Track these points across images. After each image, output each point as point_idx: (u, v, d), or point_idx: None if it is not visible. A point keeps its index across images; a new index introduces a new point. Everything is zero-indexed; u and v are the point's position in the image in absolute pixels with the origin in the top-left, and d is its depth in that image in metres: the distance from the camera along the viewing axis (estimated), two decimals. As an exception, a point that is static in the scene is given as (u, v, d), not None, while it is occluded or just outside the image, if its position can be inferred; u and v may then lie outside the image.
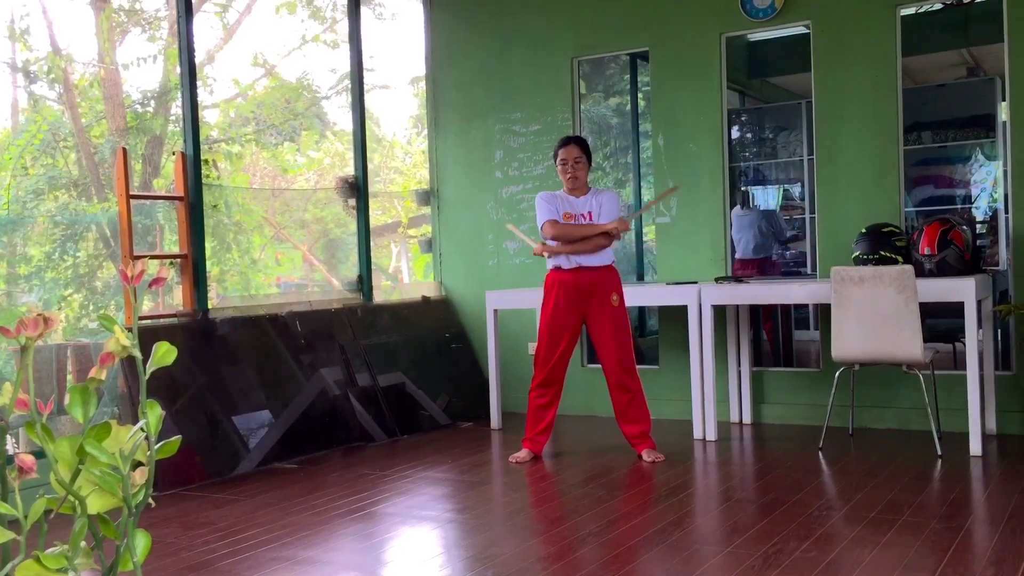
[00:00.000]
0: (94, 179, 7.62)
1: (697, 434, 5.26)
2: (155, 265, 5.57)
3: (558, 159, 4.88)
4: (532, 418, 4.95)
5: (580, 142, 4.90)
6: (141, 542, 1.48)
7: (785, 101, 6.81)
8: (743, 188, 6.50)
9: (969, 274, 4.82)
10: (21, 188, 6.97)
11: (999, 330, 5.40)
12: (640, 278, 6.56)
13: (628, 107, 6.88)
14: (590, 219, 4.82)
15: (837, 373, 4.95)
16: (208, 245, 5.37)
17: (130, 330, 1.50)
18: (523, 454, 4.91)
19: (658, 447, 4.87)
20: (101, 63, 8.11)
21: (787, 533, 3.43)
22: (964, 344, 4.74)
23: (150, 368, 1.51)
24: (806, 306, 6.15)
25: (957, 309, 4.70)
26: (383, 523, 3.86)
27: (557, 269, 4.87)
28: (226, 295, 6.88)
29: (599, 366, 5.10)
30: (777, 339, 6.57)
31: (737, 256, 6.17)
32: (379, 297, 6.50)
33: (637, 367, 4.89)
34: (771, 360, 6.28)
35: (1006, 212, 5.30)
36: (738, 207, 6.27)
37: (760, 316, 6.33)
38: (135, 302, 1.54)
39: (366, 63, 6.50)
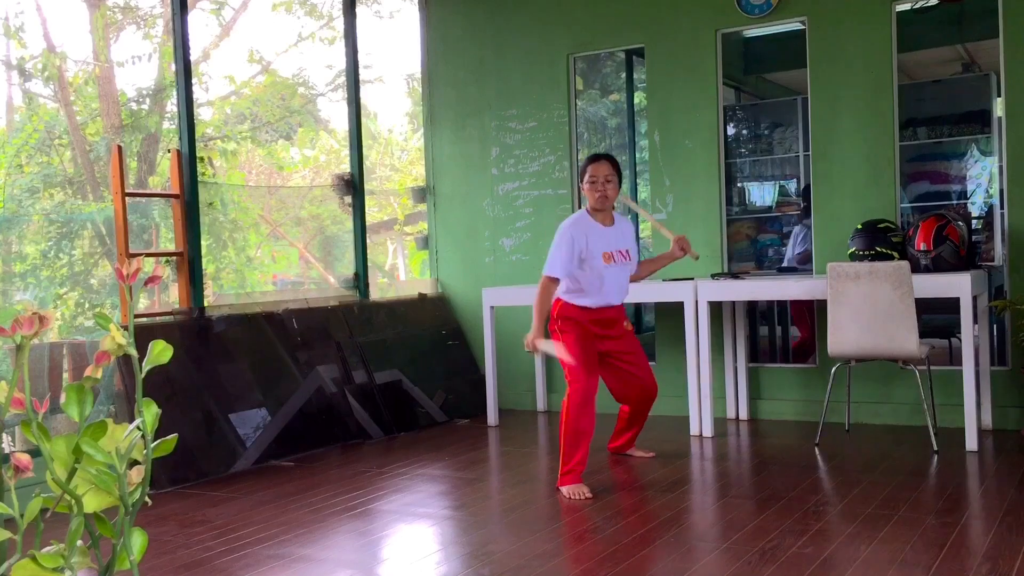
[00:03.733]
0: (89, 177, 7.60)
1: (694, 430, 5.26)
2: (151, 263, 5.56)
3: (587, 176, 4.37)
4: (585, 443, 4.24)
5: (612, 160, 4.41)
6: (138, 540, 1.48)
7: (781, 97, 6.81)
8: (802, 201, 6.42)
9: (965, 270, 4.83)
10: (16, 186, 6.96)
11: (995, 326, 5.41)
12: (636, 275, 6.56)
13: (624, 104, 6.88)
14: (628, 259, 4.43)
15: (833, 369, 4.95)
16: (204, 243, 5.36)
17: (126, 328, 1.50)
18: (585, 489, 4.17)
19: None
20: (96, 61, 8.10)
21: (783, 529, 3.43)
22: (960, 340, 4.74)
23: (146, 366, 1.51)
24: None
25: (953, 305, 4.70)
26: (380, 520, 3.86)
27: (584, 308, 4.38)
28: (222, 293, 6.88)
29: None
30: (774, 335, 6.58)
31: (785, 264, 6.25)
32: (375, 294, 6.50)
33: None
34: (767, 356, 6.29)
35: (1001, 208, 5.31)
36: (802, 224, 6.28)
37: (756, 313, 6.34)
38: (131, 300, 1.53)
39: (362, 60, 6.50)
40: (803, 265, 6.07)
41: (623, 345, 4.53)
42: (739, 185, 6.59)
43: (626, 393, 4.62)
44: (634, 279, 4.65)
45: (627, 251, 4.45)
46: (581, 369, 4.24)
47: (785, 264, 6.29)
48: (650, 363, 5.96)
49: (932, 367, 5.05)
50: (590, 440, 4.23)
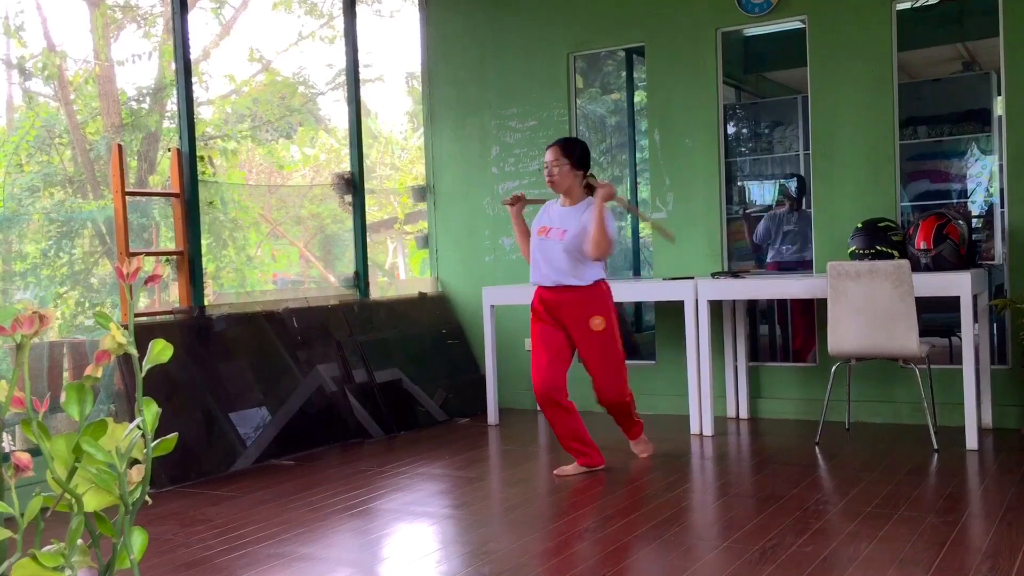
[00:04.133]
0: (89, 176, 7.60)
1: (694, 429, 5.26)
2: (151, 262, 5.56)
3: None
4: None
5: (563, 144, 4.44)
6: (138, 539, 1.48)
7: (781, 96, 6.80)
8: (791, 189, 6.39)
9: (965, 268, 4.82)
10: (16, 185, 6.95)
11: (995, 324, 5.40)
12: (636, 274, 6.56)
13: (624, 103, 6.88)
14: (562, 238, 4.36)
15: (833, 368, 4.95)
16: (204, 242, 5.36)
17: (126, 327, 1.50)
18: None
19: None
20: (96, 59, 8.09)
21: (784, 528, 3.43)
22: (960, 338, 4.74)
23: (146, 365, 1.51)
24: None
25: (953, 303, 4.70)
26: (380, 519, 3.86)
27: (542, 286, 4.48)
28: (222, 292, 6.88)
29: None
30: (774, 334, 6.58)
31: (771, 259, 6.20)
32: (376, 293, 6.50)
33: (629, 364, 4.75)
34: (768, 355, 6.29)
35: (1002, 207, 5.30)
36: (775, 207, 6.25)
37: (756, 311, 6.34)
38: (131, 299, 1.53)
39: (363, 59, 6.49)
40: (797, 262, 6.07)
41: (581, 340, 4.45)
42: (739, 184, 6.58)
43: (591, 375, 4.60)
44: (594, 253, 4.30)
45: (564, 231, 4.38)
46: (534, 369, 4.47)
47: (773, 258, 6.23)
48: (650, 362, 6.00)
49: (932, 366, 5.05)
50: (568, 433, 4.47)
